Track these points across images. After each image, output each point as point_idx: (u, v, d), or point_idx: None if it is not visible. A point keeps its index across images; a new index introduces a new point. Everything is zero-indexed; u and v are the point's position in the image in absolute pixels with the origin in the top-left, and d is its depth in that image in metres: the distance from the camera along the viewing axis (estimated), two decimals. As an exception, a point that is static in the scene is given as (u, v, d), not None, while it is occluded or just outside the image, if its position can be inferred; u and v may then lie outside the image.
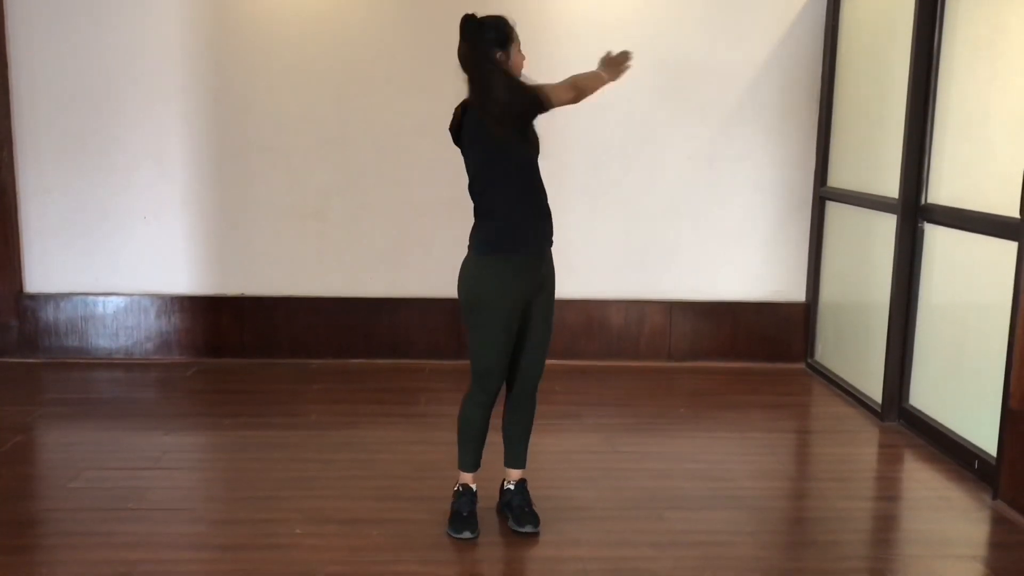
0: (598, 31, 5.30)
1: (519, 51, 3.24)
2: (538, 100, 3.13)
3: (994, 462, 3.75)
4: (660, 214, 5.50)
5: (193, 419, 4.65)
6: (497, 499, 3.53)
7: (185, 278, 5.46)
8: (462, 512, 3.36)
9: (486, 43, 3.16)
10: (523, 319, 3.30)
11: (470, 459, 3.42)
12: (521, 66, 3.25)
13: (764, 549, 3.33)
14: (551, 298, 3.36)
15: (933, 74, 4.32)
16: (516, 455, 3.48)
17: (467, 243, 3.30)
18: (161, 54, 5.25)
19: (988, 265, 3.93)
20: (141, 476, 3.85)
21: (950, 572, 3.23)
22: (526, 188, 3.24)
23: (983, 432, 3.91)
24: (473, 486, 3.43)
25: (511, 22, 3.23)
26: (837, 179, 5.28)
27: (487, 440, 3.44)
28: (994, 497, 3.71)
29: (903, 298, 4.51)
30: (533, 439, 3.51)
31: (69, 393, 4.97)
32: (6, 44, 5.20)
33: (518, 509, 3.41)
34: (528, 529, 3.36)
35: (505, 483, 3.50)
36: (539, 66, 5.22)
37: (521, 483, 3.48)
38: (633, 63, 3.34)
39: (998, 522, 3.57)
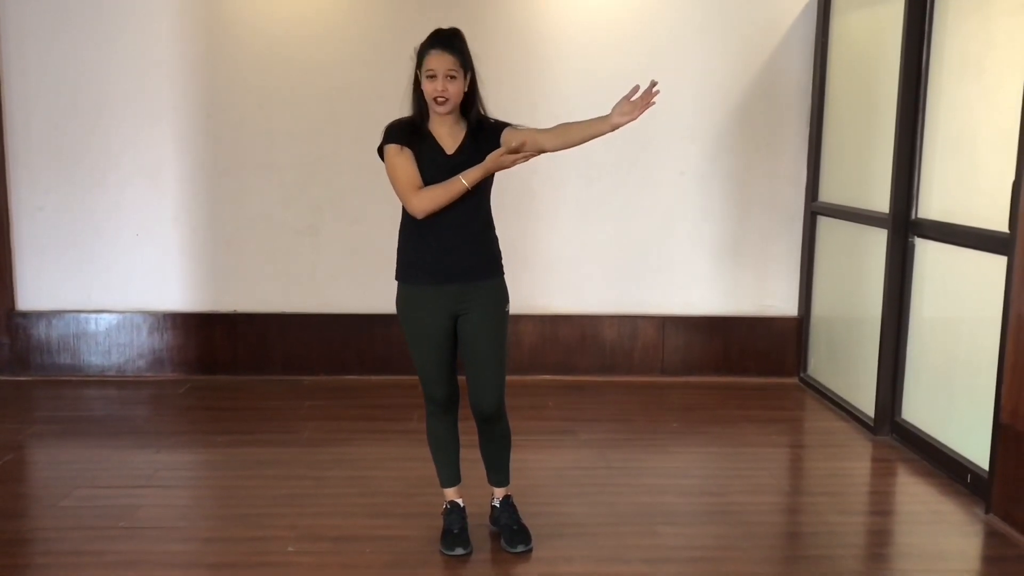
0: (588, 50, 5.34)
1: (427, 78, 3.07)
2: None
3: (986, 476, 3.76)
4: (653, 229, 5.52)
5: (185, 436, 4.63)
6: (488, 515, 3.54)
7: (178, 295, 5.46)
8: (453, 529, 3.36)
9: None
10: (459, 341, 3.27)
11: (446, 474, 3.43)
12: (431, 94, 3.08)
13: (757, 564, 3.33)
14: (488, 322, 3.24)
15: (922, 90, 4.35)
16: (496, 475, 3.48)
17: None
18: (154, 72, 5.27)
19: (978, 279, 3.94)
20: (133, 494, 3.84)
21: (943, 586, 3.24)
22: (435, 221, 3.15)
23: (975, 446, 3.92)
24: (460, 502, 3.43)
25: (428, 42, 3.10)
26: (828, 194, 5.31)
27: (470, 456, 3.45)
28: (986, 511, 3.72)
29: (894, 312, 4.53)
30: (526, 455, 3.51)
31: (61, 411, 4.96)
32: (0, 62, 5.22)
33: (507, 528, 3.41)
34: (520, 549, 3.35)
35: (492, 500, 3.51)
36: (527, 86, 5.31)
37: (507, 499, 3.48)
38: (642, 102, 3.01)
39: (991, 536, 3.58)
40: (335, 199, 5.41)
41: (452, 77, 3.08)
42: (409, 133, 3.16)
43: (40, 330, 5.42)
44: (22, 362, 5.43)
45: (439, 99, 3.09)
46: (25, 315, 5.41)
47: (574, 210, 5.46)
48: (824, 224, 5.35)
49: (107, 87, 5.26)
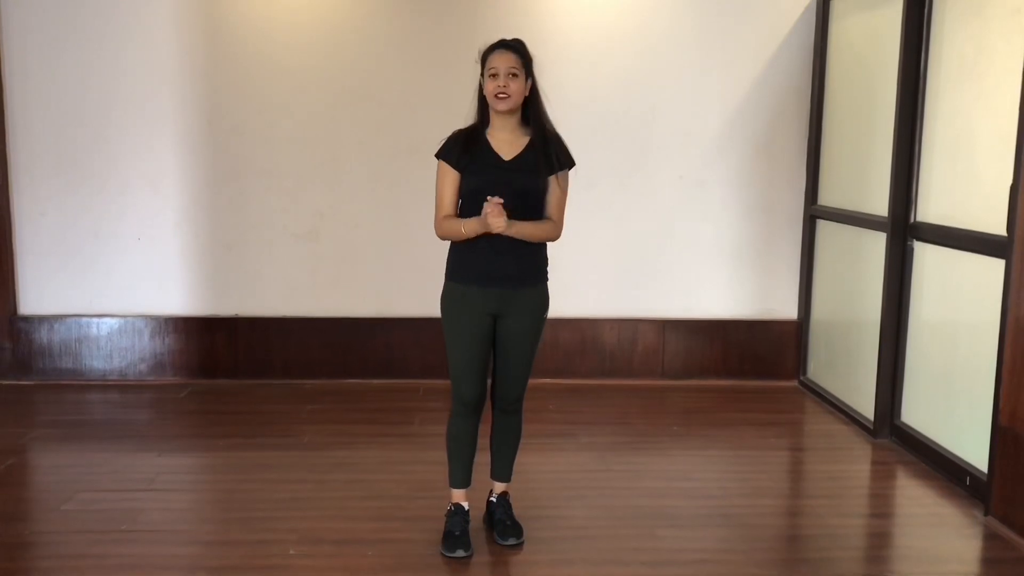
0: (587, 54, 5.36)
1: (490, 77, 3.18)
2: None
3: (985, 478, 3.77)
4: (652, 233, 5.53)
5: (187, 440, 4.65)
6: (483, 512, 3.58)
7: (179, 299, 5.47)
8: (455, 531, 3.38)
9: None
10: (495, 339, 3.34)
11: (458, 475, 3.45)
12: (492, 91, 3.18)
13: (757, 567, 3.34)
14: (526, 327, 3.33)
15: (920, 94, 4.37)
16: (500, 468, 3.52)
17: None
18: (155, 77, 5.29)
19: (977, 282, 3.96)
20: (135, 498, 3.85)
21: (942, 589, 3.25)
22: None
23: (974, 449, 3.94)
24: (465, 504, 3.45)
25: (492, 46, 3.23)
26: (827, 198, 5.32)
27: (478, 459, 3.46)
28: (985, 513, 3.73)
29: (893, 315, 4.54)
30: (527, 458, 3.53)
31: (63, 415, 4.97)
32: (1, 67, 5.22)
33: (500, 523, 3.46)
34: (511, 542, 3.41)
35: (489, 495, 3.55)
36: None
37: (503, 496, 3.52)
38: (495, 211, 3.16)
39: (990, 538, 3.59)
40: (335, 204, 5.43)
41: (514, 75, 3.16)
42: (463, 145, 3.24)
43: (42, 334, 5.43)
44: (24, 366, 5.44)
45: (500, 95, 3.16)
46: (27, 319, 5.42)
47: (574, 213, 5.38)
48: (823, 228, 5.37)
49: (109, 93, 5.28)
